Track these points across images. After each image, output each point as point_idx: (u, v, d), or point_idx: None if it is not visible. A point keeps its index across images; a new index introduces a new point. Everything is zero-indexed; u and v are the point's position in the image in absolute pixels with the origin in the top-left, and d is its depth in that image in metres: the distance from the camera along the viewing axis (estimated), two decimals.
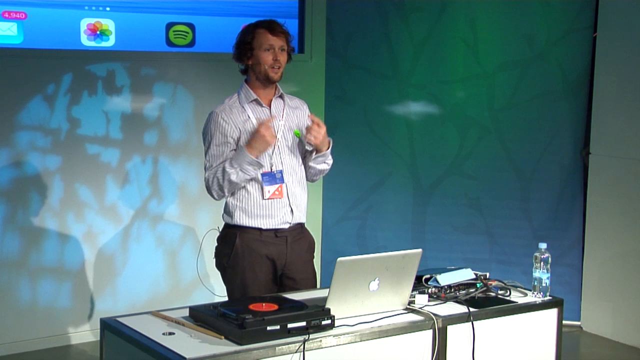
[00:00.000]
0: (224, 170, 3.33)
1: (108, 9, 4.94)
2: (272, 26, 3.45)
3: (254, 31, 3.44)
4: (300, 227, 3.54)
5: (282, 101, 3.53)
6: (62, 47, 4.84)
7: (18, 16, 4.70)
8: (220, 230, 3.54)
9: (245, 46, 3.43)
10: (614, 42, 5.15)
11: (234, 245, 3.42)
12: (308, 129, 3.41)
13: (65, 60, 4.86)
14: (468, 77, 5.49)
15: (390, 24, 5.56)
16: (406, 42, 5.54)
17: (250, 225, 3.42)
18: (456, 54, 5.49)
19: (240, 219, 3.42)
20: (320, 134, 3.41)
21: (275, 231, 3.44)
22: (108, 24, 4.95)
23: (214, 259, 3.54)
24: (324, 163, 3.56)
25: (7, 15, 4.67)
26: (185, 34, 5.21)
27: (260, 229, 3.42)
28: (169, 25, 5.16)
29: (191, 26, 5.22)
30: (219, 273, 3.54)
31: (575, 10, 5.30)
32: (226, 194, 3.40)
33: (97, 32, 4.93)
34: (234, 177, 3.31)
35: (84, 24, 4.90)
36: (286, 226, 3.46)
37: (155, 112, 5.17)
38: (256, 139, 3.29)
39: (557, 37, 5.35)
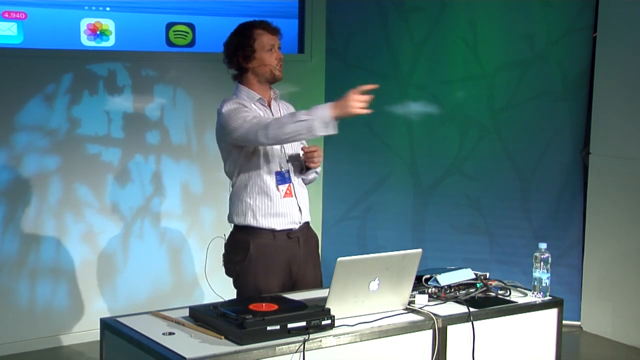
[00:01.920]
0: (290, 115, 3.18)
1: (108, 9, 4.94)
2: (268, 26, 3.44)
3: (253, 32, 3.40)
4: (307, 226, 3.53)
5: (276, 103, 3.53)
6: (62, 47, 4.84)
7: (18, 16, 4.70)
8: (228, 235, 3.48)
9: (247, 49, 3.38)
10: (614, 42, 5.15)
11: (248, 252, 3.37)
12: (308, 157, 3.41)
13: (65, 60, 4.86)
14: (468, 77, 5.49)
15: (390, 24, 5.56)
16: (406, 42, 5.54)
17: (264, 226, 3.37)
18: (456, 54, 5.49)
19: (255, 220, 3.37)
20: (320, 156, 3.44)
21: (288, 233, 3.42)
22: (108, 24, 4.96)
23: (223, 267, 3.48)
24: (314, 173, 3.58)
25: (7, 15, 4.67)
26: (185, 34, 5.21)
27: (273, 231, 3.39)
28: (169, 25, 5.16)
29: (191, 26, 5.22)
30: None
31: (575, 10, 5.30)
32: (268, 137, 3.16)
33: (97, 32, 4.93)
34: (294, 126, 3.09)
35: (84, 24, 4.90)
36: (296, 226, 3.44)
37: (155, 112, 5.17)
38: (343, 101, 3.09)
39: (557, 37, 5.35)
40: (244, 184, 3.40)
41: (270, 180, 3.39)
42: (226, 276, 3.50)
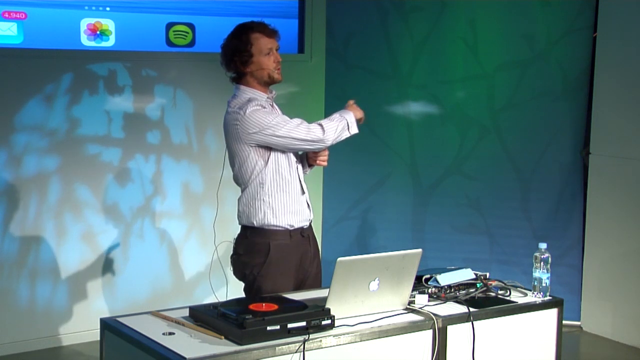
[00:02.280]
0: (326, 119, 3.41)
1: (108, 9, 4.94)
2: (265, 29, 3.42)
3: (250, 37, 3.38)
4: (311, 224, 3.56)
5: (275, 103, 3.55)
6: (62, 47, 4.84)
7: (18, 16, 4.70)
8: (238, 239, 3.46)
9: (244, 54, 3.37)
10: (614, 42, 5.15)
11: (268, 255, 3.35)
12: (319, 156, 3.50)
13: (65, 60, 4.86)
14: (468, 77, 5.49)
15: (390, 24, 5.56)
16: (406, 42, 5.54)
17: (283, 224, 3.37)
18: (456, 54, 5.49)
19: (275, 218, 3.36)
20: (327, 155, 3.54)
21: (301, 231, 3.45)
22: (108, 24, 4.96)
23: (234, 270, 3.45)
24: (309, 170, 3.63)
25: (7, 15, 4.67)
26: (185, 34, 5.21)
27: (290, 229, 3.39)
28: (169, 25, 5.16)
29: (191, 26, 5.22)
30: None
31: (575, 10, 5.30)
32: (325, 134, 3.38)
33: (97, 32, 4.93)
34: (340, 124, 3.41)
35: (84, 24, 4.90)
36: (307, 223, 3.48)
37: (155, 112, 5.17)
38: (352, 107, 3.49)
39: (557, 37, 5.35)
40: (261, 183, 3.37)
41: (289, 178, 3.40)
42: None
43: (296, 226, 3.42)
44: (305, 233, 3.47)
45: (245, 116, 3.30)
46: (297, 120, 3.34)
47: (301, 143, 3.35)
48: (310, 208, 3.51)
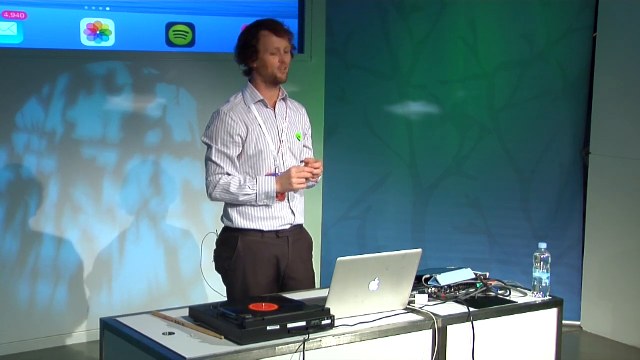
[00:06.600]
0: (240, 185, 3.31)
1: (108, 9, 4.94)
2: (276, 27, 3.41)
3: (259, 34, 3.39)
4: (299, 228, 3.53)
5: (284, 104, 3.53)
6: (62, 47, 4.84)
7: (18, 16, 4.70)
8: (219, 233, 3.52)
9: (250, 49, 3.39)
10: (614, 42, 5.16)
11: (236, 249, 3.40)
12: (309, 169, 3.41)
13: (65, 60, 4.86)
14: (468, 77, 5.49)
15: (390, 24, 5.56)
16: (406, 42, 5.54)
17: (252, 227, 3.41)
18: (456, 54, 5.49)
19: (241, 223, 3.41)
20: (319, 174, 3.42)
21: (277, 232, 3.44)
22: (108, 24, 4.96)
23: (214, 263, 3.51)
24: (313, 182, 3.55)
25: (7, 15, 4.67)
26: (185, 34, 5.21)
27: (262, 231, 3.41)
28: (169, 25, 5.16)
29: (191, 26, 5.22)
30: (217, 275, 3.54)
31: (575, 10, 5.30)
32: (212, 197, 3.41)
33: (97, 32, 4.93)
34: (243, 198, 3.32)
35: (84, 24, 4.90)
36: (287, 227, 3.45)
37: (155, 113, 5.17)
38: (285, 178, 3.29)
39: (557, 37, 5.35)
40: None
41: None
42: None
43: (266, 230, 3.41)
44: (282, 235, 3.44)
45: (212, 119, 3.43)
46: (213, 171, 3.37)
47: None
48: (295, 215, 3.46)
